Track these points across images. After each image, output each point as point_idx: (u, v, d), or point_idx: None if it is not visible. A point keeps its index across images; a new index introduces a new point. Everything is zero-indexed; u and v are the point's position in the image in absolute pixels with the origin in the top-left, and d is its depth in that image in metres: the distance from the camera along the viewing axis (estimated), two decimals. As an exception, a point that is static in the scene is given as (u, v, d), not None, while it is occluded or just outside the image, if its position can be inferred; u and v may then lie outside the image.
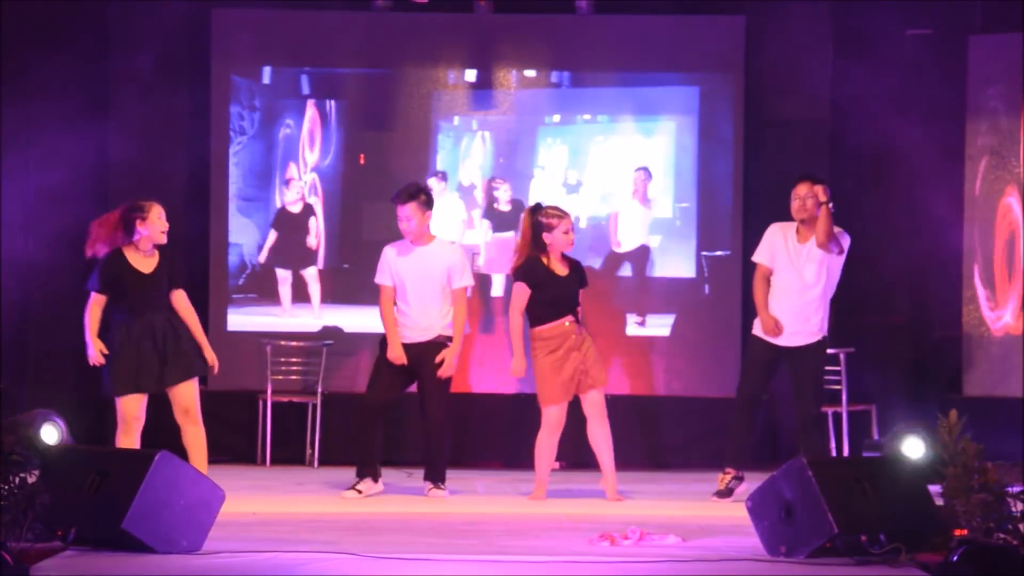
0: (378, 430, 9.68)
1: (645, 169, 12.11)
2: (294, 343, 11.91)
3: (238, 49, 12.08)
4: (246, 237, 12.05)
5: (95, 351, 9.03)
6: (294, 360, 11.95)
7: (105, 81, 11.88)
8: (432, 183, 11.94)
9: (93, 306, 9.11)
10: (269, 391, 11.66)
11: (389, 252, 9.78)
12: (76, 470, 7.02)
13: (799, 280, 9.51)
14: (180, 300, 9.07)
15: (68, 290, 11.68)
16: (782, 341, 9.52)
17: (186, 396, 8.98)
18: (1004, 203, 11.64)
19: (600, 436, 9.62)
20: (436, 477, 9.74)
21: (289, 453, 11.71)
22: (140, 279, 9.00)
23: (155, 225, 9.04)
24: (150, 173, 11.87)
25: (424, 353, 9.64)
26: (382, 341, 9.76)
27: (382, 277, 9.77)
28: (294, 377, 11.96)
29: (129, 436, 8.95)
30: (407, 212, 9.60)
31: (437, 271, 9.67)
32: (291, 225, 12.09)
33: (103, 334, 9.08)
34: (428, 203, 9.66)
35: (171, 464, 7.02)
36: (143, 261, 9.04)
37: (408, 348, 9.63)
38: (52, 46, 11.56)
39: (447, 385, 9.72)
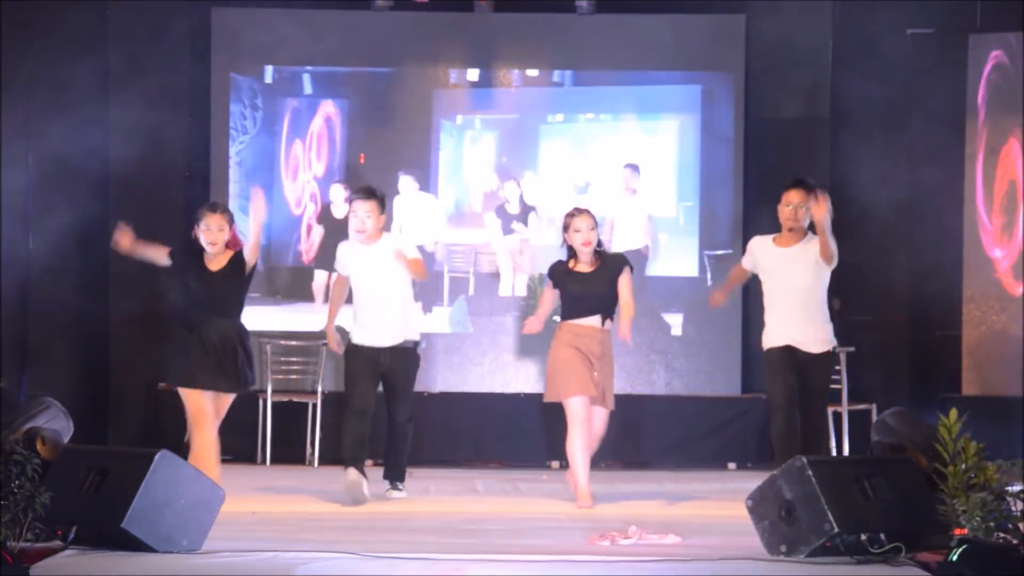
0: (365, 433, 9.44)
1: (632, 165, 12.12)
2: (294, 343, 11.91)
3: (238, 48, 12.09)
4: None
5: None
6: (294, 360, 11.95)
7: (106, 79, 11.88)
8: (408, 181, 11.98)
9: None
10: (269, 391, 11.66)
11: (344, 248, 9.52)
12: (76, 470, 7.02)
13: (796, 288, 9.19)
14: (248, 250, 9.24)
15: (68, 288, 11.69)
16: (794, 343, 9.18)
17: (226, 408, 9.19)
18: (1007, 147, 11.60)
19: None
20: (396, 476, 9.58)
21: (289, 453, 11.70)
22: (207, 277, 9.12)
23: (203, 234, 9.15)
24: (151, 171, 11.89)
25: (392, 359, 9.42)
26: (347, 351, 9.51)
27: (340, 268, 9.55)
28: (294, 377, 11.96)
29: (201, 433, 9.05)
30: (367, 209, 9.36)
31: (392, 263, 9.38)
32: (334, 226, 12.13)
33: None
34: (383, 206, 9.45)
35: (171, 464, 7.02)
36: (211, 260, 9.17)
37: (375, 352, 9.40)
38: (53, 44, 11.57)
39: (411, 390, 9.54)
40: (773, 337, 9.19)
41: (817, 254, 9.09)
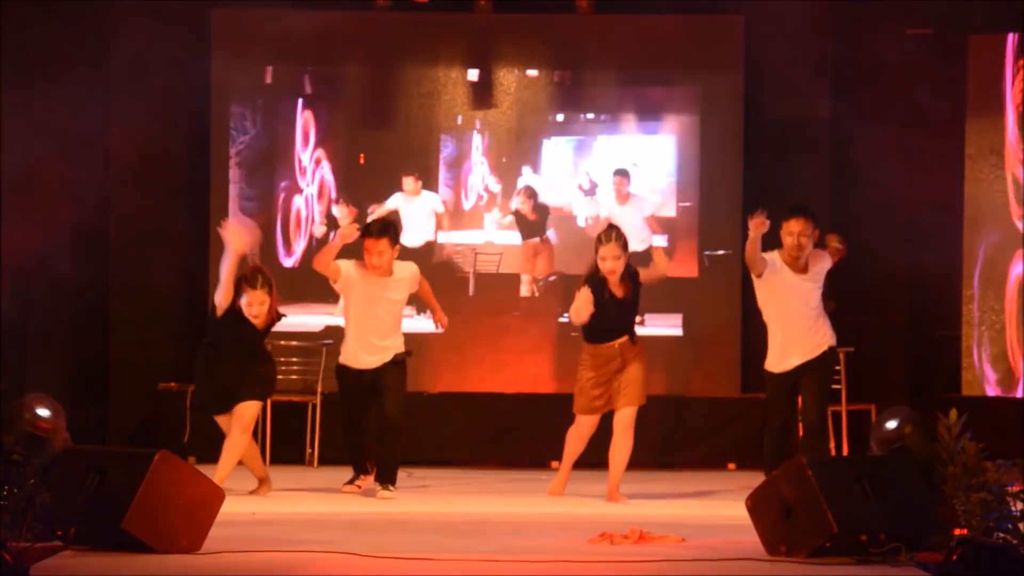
0: (364, 440, 9.63)
1: (622, 171, 12.12)
2: (294, 343, 11.91)
3: (238, 49, 12.08)
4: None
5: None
6: (294, 360, 11.95)
7: (106, 79, 11.88)
8: (408, 182, 12.01)
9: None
10: (269, 391, 11.65)
11: (353, 268, 9.53)
12: (76, 470, 7.02)
13: (804, 308, 9.23)
14: None
15: (68, 288, 11.70)
16: (794, 363, 9.28)
17: (245, 413, 9.40)
18: (1012, 275, 11.61)
19: (617, 449, 9.61)
20: (387, 479, 9.56)
21: (289, 453, 11.70)
22: (246, 328, 9.40)
23: (245, 308, 9.40)
24: (151, 171, 11.90)
25: (378, 373, 9.55)
26: (338, 372, 9.67)
27: (343, 284, 9.54)
28: (294, 377, 11.96)
29: (227, 438, 9.39)
30: (381, 247, 9.40)
31: (399, 297, 9.60)
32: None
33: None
34: (397, 238, 9.53)
35: (171, 464, 7.02)
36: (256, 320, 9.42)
37: (361, 373, 9.55)
38: (52, 45, 11.58)
39: (403, 391, 9.61)
40: (775, 361, 9.34)
41: (819, 273, 9.18)
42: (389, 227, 9.56)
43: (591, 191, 12.19)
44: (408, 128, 12.20)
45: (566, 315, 11.82)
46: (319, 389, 11.69)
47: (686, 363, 12.09)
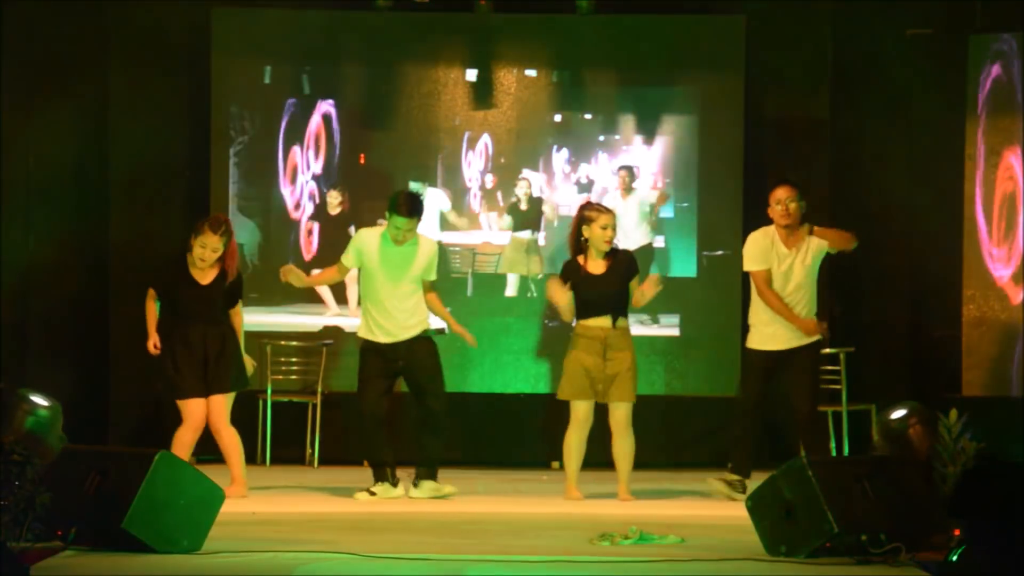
0: (383, 435, 9.58)
1: (627, 167, 12.12)
2: (294, 343, 11.91)
3: (238, 49, 12.08)
4: (246, 237, 12.03)
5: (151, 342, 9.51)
6: (294, 360, 11.95)
7: (105, 80, 11.88)
8: (416, 186, 12.04)
9: (149, 300, 9.57)
10: (269, 391, 11.65)
11: (369, 237, 9.59)
12: (76, 470, 7.02)
13: (793, 285, 9.43)
14: (235, 314, 9.54)
15: (68, 289, 11.70)
16: (782, 346, 9.46)
17: (216, 408, 9.36)
18: (1005, 161, 11.59)
19: (619, 450, 9.62)
20: (425, 475, 9.60)
21: (289, 453, 11.71)
22: (195, 287, 9.37)
23: (196, 247, 9.35)
24: (151, 171, 11.89)
25: (408, 353, 9.52)
26: (363, 348, 9.62)
27: (349, 259, 9.60)
28: (294, 377, 11.96)
29: (186, 433, 9.36)
30: (412, 225, 9.46)
31: (418, 263, 9.54)
32: (333, 227, 12.10)
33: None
34: (422, 215, 9.58)
35: (171, 464, 7.03)
36: (200, 273, 9.39)
37: (389, 349, 9.51)
38: (52, 46, 11.57)
39: (439, 377, 9.60)
40: (759, 339, 9.57)
41: (815, 250, 9.32)
42: (419, 204, 9.50)
43: (590, 190, 12.18)
44: (408, 128, 12.20)
45: (549, 321, 11.90)
46: (319, 389, 11.68)
47: (684, 363, 12.09)
